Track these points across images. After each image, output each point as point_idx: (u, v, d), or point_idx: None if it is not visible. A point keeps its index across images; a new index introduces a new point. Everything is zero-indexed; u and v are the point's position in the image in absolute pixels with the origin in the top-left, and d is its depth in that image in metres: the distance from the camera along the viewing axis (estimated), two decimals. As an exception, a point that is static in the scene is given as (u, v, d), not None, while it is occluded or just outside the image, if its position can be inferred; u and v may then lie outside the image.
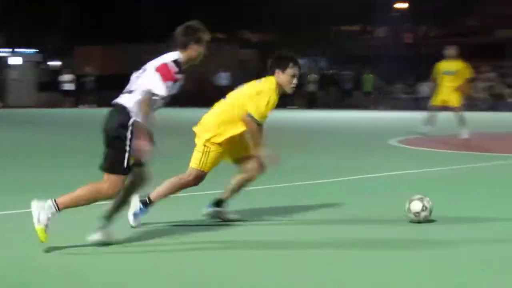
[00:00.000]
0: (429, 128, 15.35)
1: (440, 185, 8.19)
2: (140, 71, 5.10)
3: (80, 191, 4.92)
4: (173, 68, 5.01)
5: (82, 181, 5.19)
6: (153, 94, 4.87)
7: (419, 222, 5.77)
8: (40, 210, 4.74)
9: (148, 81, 4.92)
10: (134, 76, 5.10)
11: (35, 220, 4.75)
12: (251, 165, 5.85)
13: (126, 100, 4.93)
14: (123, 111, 4.88)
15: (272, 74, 5.87)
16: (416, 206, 5.80)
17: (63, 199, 4.86)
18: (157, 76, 4.92)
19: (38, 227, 4.73)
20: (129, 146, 4.83)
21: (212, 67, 32.22)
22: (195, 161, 5.71)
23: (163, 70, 4.95)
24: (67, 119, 25.80)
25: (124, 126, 4.84)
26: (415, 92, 33.37)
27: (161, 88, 4.90)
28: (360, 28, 46.99)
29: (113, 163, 4.88)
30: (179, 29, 5.24)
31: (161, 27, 34.10)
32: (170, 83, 4.94)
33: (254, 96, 5.72)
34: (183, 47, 5.16)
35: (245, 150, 5.87)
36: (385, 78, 36.51)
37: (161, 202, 5.76)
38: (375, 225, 5.98)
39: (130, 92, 4.98)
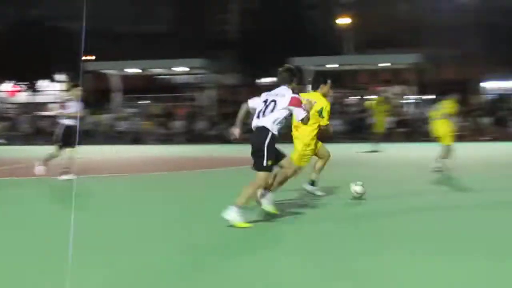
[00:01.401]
0: None
1: None
2: (262, 100, 7.74)
3: (247, 190, 7.52)
4: (298, 97, 7.64)
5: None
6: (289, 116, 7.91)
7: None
8: (231, 214, 7.34)
9: (296, 114, 7.66)
10: (260, 103, 7.76)
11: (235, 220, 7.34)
12: (322, 151, 9.60)
13: (265, 122, 7.56)
14: (264, 130, 7.55)
15: (316, 89, 9.49)
16: (357, 189, 9.20)
17: (238, 200, 7.40)
18: (297, 108, 7.57)
19: (238, 223, 7.31)
20: (266, 152, 7.52)
21: None
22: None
23: (297, 102, 7.60)
24: None
25: (264, 140, 7.52)
26: None
27: (302, 114, 7.61)
28: None
29: (259, 165, 7.59)
30: (286, 69, 7.96)
31: None
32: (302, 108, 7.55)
33: (315, 109, 8.68)
34: (288, 83, 7.79)
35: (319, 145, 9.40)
36: None
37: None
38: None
39: (264, 115, 7.59)
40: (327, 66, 35.00)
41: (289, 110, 7.66)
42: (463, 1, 48.58)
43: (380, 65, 37.11)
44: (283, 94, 7.71)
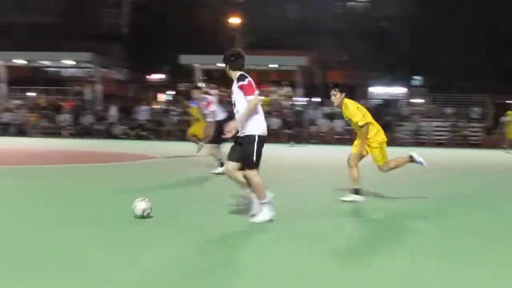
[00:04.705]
0: None
1: None
2: None
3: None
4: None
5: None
6: None
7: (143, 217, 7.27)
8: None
9: None
10: None
11: None
12: None
13: None
14: None
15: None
16: (142, 205, 7.34)
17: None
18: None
19: None
20: None
21: None
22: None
23: None
24: None
25: None
26: None
27: None
28: None
29: None
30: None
31: None
32: None
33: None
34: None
35: None
36: None
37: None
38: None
39: None
40: (218, 64, 34.97)
41: None
42: (352, 6, 49.91)
43: (269, 66, 37.38)
44: None
